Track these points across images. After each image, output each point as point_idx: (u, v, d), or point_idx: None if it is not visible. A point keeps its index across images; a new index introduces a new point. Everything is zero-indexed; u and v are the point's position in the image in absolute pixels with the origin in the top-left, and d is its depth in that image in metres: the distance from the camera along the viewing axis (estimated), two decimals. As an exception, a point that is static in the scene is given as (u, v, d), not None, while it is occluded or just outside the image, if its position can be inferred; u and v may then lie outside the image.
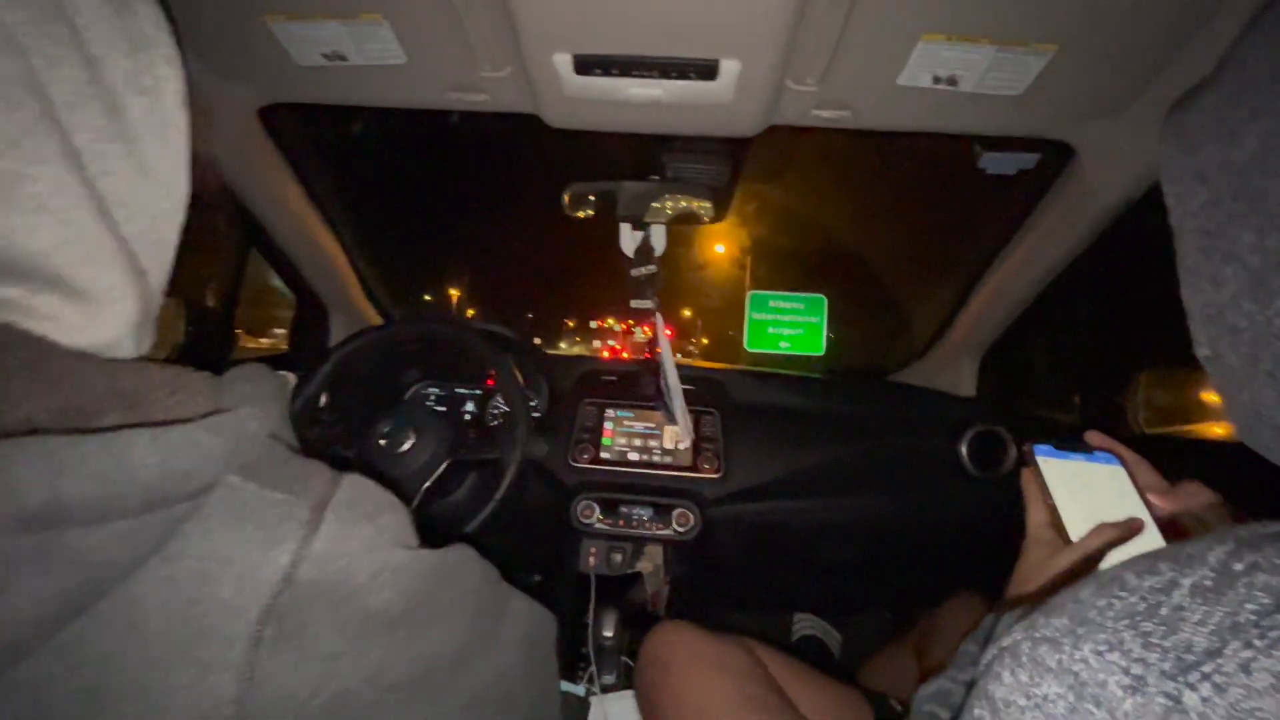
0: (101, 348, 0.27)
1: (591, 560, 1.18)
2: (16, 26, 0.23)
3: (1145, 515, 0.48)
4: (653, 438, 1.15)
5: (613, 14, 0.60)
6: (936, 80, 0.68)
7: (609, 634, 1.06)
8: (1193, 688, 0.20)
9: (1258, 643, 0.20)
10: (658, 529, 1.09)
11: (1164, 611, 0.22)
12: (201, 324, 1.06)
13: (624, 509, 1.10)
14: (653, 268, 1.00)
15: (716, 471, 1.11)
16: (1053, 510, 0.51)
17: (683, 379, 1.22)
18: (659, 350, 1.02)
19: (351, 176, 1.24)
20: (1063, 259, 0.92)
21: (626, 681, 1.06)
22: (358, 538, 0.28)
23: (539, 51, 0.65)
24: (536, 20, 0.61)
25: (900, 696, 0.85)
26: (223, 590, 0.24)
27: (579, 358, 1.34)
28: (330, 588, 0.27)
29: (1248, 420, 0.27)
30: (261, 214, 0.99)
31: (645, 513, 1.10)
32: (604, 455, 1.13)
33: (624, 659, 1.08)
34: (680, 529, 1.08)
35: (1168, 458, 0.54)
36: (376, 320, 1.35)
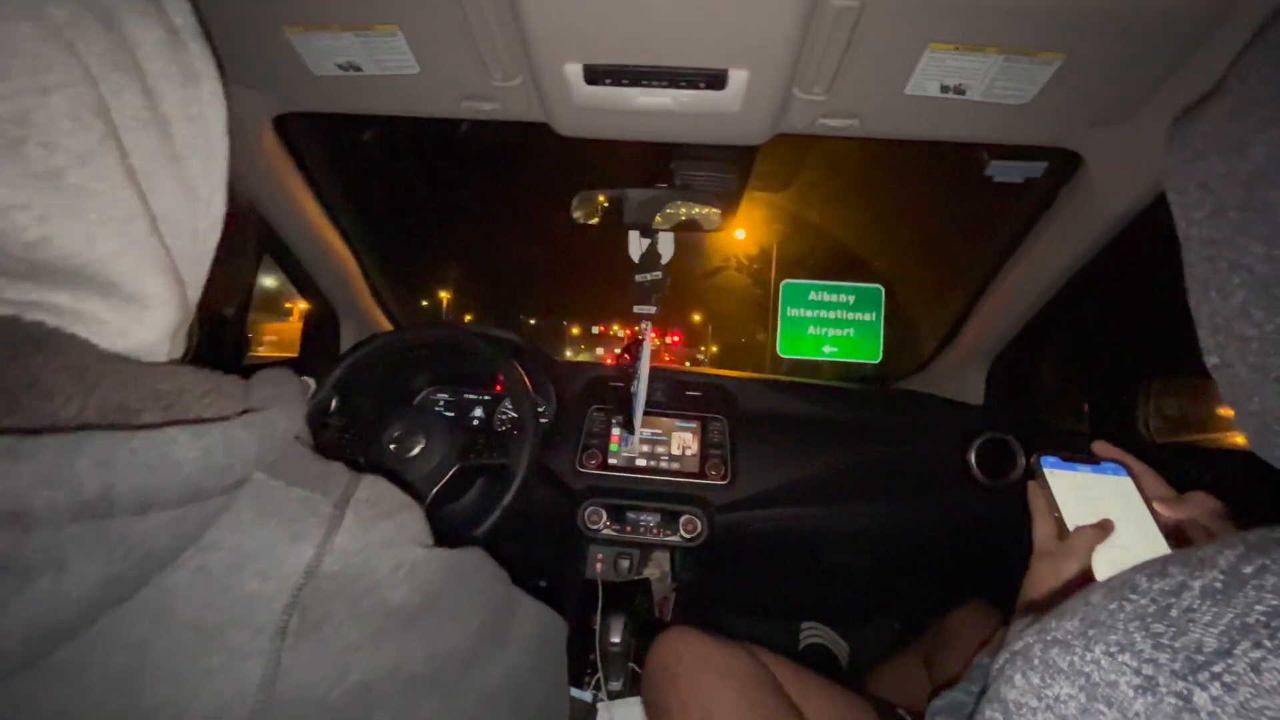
0: (141, 352, 0.29)
1: (599, 566, 1.18)
2: (91, 59, 0.25)
3: (1152, 525, 0.48)
4: (660, 444, 1.15)
5: (622, 25, 0.61)
6: (944, 89, 0.69)
7: (616, 640, 1.05)
8: (1203, 687, 0.20)
9: (1267, 643, 0.20)
10: (665, 535, 1.09)
11: (1174, 613, 0.22)
12: (216, 329, 1.07)
13: (631, 515, 1.10)
14: (658, 273, 1.01)
15: (724, 478, 1.11)
16: (1059, 524, 0.51)
17: (690, 385, 1.23)
18: (639, 358, 1.01)
19: (363, 184, 1.25)
20: (1070, 267, 0.92)
21: (633, 688, 1.05)
22: (378, 534, 0.29)
23: (550, 62, 0.66)
24: (547, 31, 0.62)
25: (908, 706, 0.84)
26: (251, 581, 0.26)
27: (586, 364, 1.34)
28: (351, 581, 0.28)
29: (1257, 429, 0.27)
30: (275, 219, 1.01)
31: (652, 519, 1.10)
32: (611, 461, 1.14)
33: (631, 665, 1.08)
34: (687, 535, 1.08)
35: (1179, 467, 0.54)
36: (386, 326, 1.36)
